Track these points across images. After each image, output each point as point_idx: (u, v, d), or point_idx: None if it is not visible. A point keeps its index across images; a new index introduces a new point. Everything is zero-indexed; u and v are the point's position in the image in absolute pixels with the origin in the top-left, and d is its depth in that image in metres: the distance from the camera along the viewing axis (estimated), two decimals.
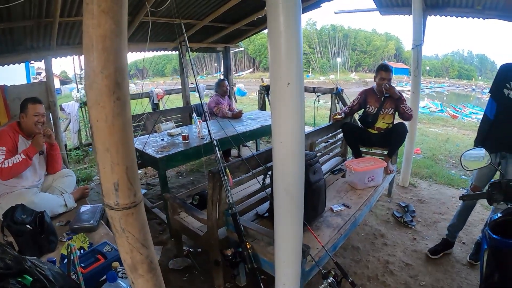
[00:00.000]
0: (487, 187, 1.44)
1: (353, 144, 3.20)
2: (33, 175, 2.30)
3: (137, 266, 1.00)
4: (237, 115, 4.14)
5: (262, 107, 5.61)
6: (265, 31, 5.17)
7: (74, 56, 3.97)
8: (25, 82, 9.58)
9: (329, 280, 1.54)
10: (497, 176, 2.11)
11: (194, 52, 6.02)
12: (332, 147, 3.29)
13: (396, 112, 3.04)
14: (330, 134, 3.24)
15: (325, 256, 1.81)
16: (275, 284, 1.55)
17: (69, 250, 1.34)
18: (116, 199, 0.90)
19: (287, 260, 1.45)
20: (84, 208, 2.16)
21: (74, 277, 1.33)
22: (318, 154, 2.82)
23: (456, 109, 14.59)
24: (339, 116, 3.14)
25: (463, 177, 3.96)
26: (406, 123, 3.03)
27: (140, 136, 3.33)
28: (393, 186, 3.45)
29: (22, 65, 4.53)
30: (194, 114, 4.16)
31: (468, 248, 2.45)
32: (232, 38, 5.42)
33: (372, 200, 2.55)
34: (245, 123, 3.82)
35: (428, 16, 3.53)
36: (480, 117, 2.26)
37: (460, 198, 1.74)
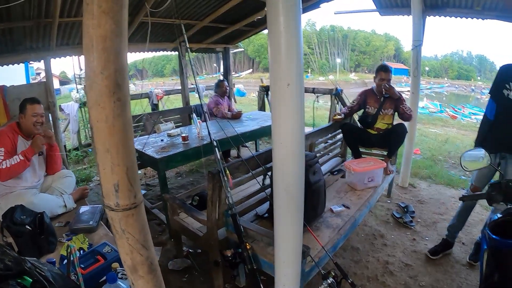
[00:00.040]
0: (486, 187, 1.44)
1: (353, 144, 3.20)
2: (33, 175, 2.29)
3: (138, 267, 1.00)
4: (237, 116, 4.14)
5: (262, 107, 5.61)
6: (265, 31, 5.21)
7: (73, 56, 3.96)
8: (24, 82, 9.54)
9: (329, 281, 1.53)
10: (496, 176, 2.11)
11: (194, 53, 6.02)
12: (331, 147, 3.30)
13: (396, 113, 3.04)
14: (330, 135, 3.25)
15: (324, 257, 1.81)
16: (275, 285, 1.55)
17: (68, 251, 1.34)
18: (116, 200, 0.90)
19: (287, 261, 1.45)
20: (83, 208, 2.15)
21: (73, 278, 1.33)
22: (317, 155, 2.82)
23: (455, 109, 14.64)
24: (338, 117, 3.14)
25: (463, 177, 3.97)
26: (406, 123, 3.04)
27: (139, 136, 3.32)
28: (393, 187, 3.45)
29: (22, 65, 4.53)
30: (194, 115, 4.17)
31: (467, 249, 2.46)
32: (231, 39, 5.41)
33: (372, 200, 2.55)
34: (244, 124, 3.82)
35: (427, 16, 3.54)
36: (479, 117, 2.27)
37: (460, 199, 1.74)
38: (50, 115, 3.43)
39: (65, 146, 4.55)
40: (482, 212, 2.97)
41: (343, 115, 3.16)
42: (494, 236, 1.20)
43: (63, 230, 2.02)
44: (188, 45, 2.40)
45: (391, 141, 3.00)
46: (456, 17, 3.53)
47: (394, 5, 3.82)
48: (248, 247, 1.70)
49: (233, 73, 6.22)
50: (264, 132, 3.83)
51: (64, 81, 25.94)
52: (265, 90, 5.51)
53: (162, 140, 3.10)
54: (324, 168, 3.01)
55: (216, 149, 1.98)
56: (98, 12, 0.77)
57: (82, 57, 4.42)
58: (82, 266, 1.46)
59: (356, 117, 3.61)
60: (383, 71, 2.98)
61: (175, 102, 7.74)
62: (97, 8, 0.77)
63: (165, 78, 40.50)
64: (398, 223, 2.89)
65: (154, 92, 6.17)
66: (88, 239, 1.88)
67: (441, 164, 4.57)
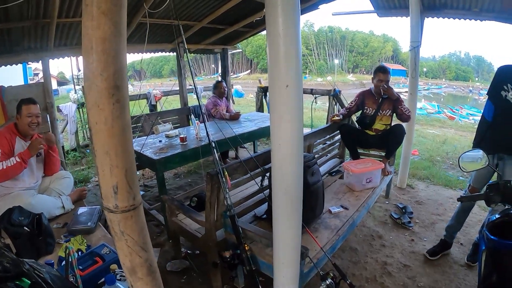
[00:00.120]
0: (485, 188, 1.45)
1: (351, 145, 3.20)
2: (30, 177, 2.29)
3: (136, 269, 1.00)
4: (235, 117, 4.13)
5: (260, 108, 5.61)
6: (263, 32, 5.21)
7: (71, 57, 3.95)
8: (22, 83, 9.52)
9: (327, 282, 1.54)
10: (494, 177, 2.12)
11: (192, 54, 6.01)
12: (330, 148, 3.30)
13: (394, 114, 3.05)
14: (328, 136, 3.25)
15: (323, 258, 1.81)
16: (273, 286, 1.55)
17: (67, 252, 1.33)
18: (115, 202, 0.90)
19: (286, 262, 1.45)
20: (81, 210, 2.15)
21: (72, 279, 1.32)
22: (316, 156, 2.82)
23: (453, 110, 14.67)
24: (337, 118, 3.14)
25: (461, 178, 3.98)
26: (404, 124, 3.04)
27: (137, 137, 3.32)
28: (391, 188, 3.46)
29: (20, 66, 4.51)
30: (192, 116, 4.16)
31: (466, 249, 2.46)
32: (230, 40, 5.41)
33: (370, 201, 2.56)
34: (242, 125, 3.82)
35: (425, 18, 3.55)
36: (477, 118, 2.29)
37: (458, 200, 1.75)
38: (48, 116, 3.42)
39: (63, 147, 4.53)
40: (480, 213, 2.98)
41: (341, 116, 3.17)
42: (492, 237, 1.20)
43: (61, 231, 2.01)
44: (186, 46, 2.40)
45: (389, 142, 3.01)
46: (454, 18, 3.55)
47: (392, 6, 3.83)
48: (246, 248, 1.69)
49: (231, 74, 6.23)
50: (262, 133, 3.83)
51: (62, 82, 25.85)
52: (263, 91, 5.52)
53: (160, 141, 3.10)
54: (323, 169, 3.02)
55: (214, 150, 1.98)
56: (98, 13, 0.77)
57: (80, 58, 4.42)
58: (81, 267, 1.45)
59: (354, 118, 3.62)
60: (381, 72, 2.99)
61: (173, 103, 7.73)
62: (96, 9, 0.77)
63: (163, 79, 40.47)
64: (397, 224, 2.89)
65: (152, 93, 6.15)
66: (86, 241, 1.87)
67: (439, 165, 4.59)
